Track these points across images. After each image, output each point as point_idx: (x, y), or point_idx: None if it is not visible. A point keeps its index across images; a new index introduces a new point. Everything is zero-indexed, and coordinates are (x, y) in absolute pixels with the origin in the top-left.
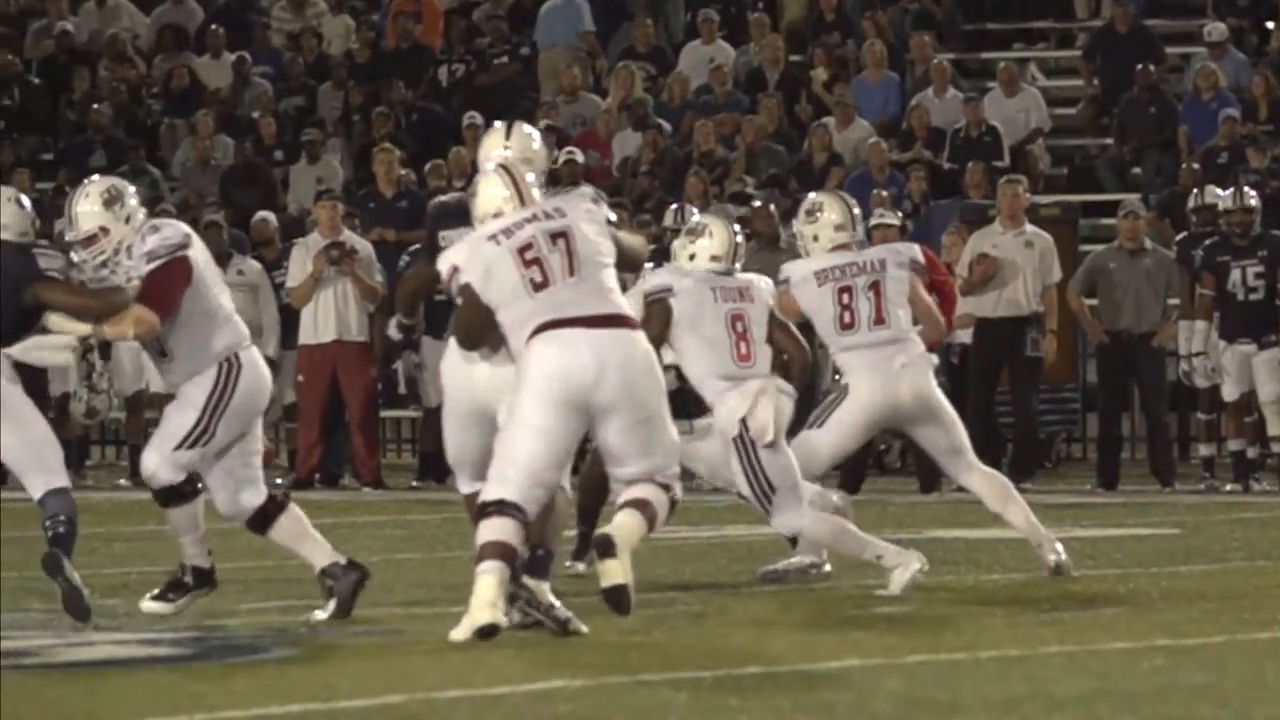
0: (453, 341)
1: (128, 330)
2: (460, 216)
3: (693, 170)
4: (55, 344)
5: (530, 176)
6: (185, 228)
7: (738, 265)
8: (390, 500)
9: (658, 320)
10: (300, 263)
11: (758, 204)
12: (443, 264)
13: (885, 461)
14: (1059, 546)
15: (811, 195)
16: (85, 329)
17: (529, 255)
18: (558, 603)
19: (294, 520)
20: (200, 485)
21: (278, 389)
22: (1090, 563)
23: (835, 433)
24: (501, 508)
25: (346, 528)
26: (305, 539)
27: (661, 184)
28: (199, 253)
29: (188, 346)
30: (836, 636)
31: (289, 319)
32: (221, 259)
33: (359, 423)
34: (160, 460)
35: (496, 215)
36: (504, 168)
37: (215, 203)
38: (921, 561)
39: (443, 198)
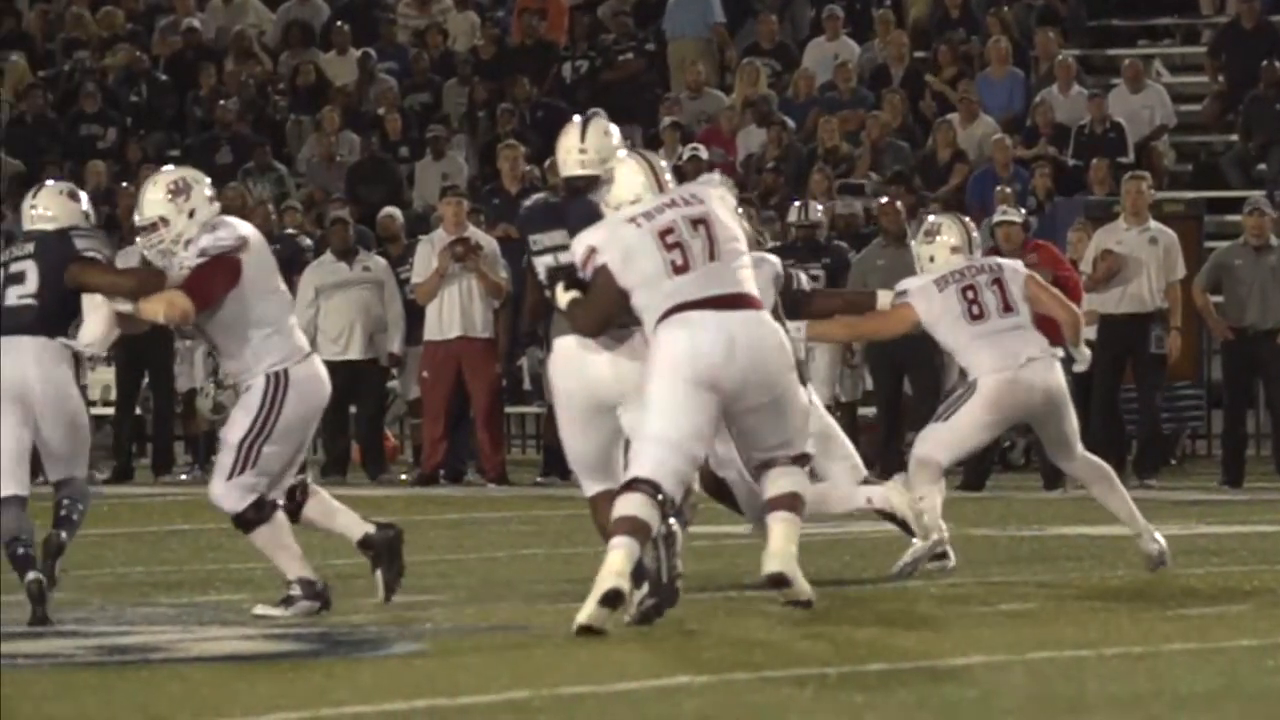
0: (560, 342)
1: (159, 310)
2: (549, 218)
3: (816, 167)
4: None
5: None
6: (248, 232)
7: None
8: (514, 496)
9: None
10: (425, 259)
11: (884, 200)
12: (578, 246)
13: (1009, 458)
14: (1159, 536)
15: (931, 217)
16: (125, 308)
17: (670, 239)
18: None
19: (318, 504)
20: (272, 505)
21: (402, 385)
22: (1216, 560)
23: (961, 428)
24: (635, 484)
25: (471, 524)
26: (334, 516)
27: (786, 180)
28: (257, 260)
29: (235, 349)
30: (960, 632)
31: (414, 315)
32: (347, 254)
33: (484, 419)
34: (223, 490)
35: (634, 202)
36: (641, 154)
37: (340, 198)
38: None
39: (529, 202)
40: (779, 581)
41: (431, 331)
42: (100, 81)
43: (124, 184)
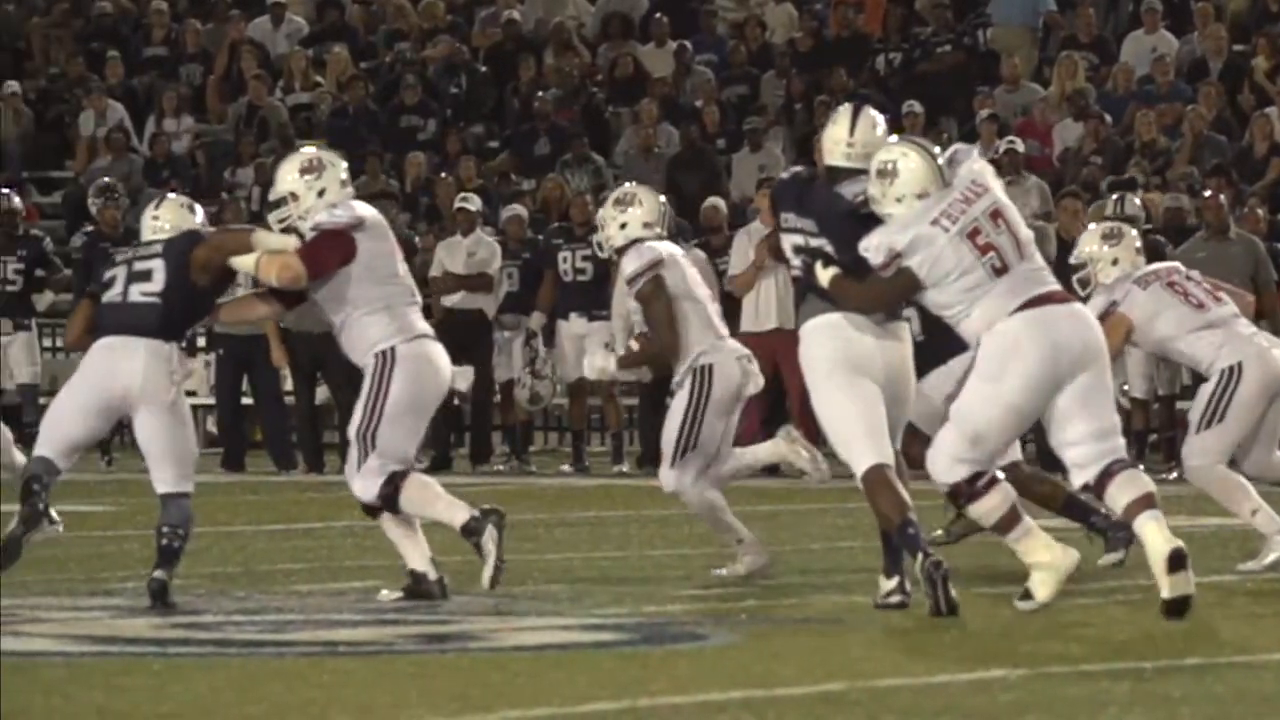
0: (818, 320)
1: (273, 272)
2: (801, 203)
3: (1134, 160)
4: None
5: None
6: (366, 214)
7: (662, 232)
8: (830, 488)
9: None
10: (742, 251)
11: (1208, 194)
12: (876, 250)
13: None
14: None
15: (1110, 224)
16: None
17: (980, 240)
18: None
19: (415, 488)
20: (403, 473)
21: None
22: None
23: (1238, 420)
24: (980, 478)
25: (789, 515)
26: (435, 502)
27: (1103, 174)
28: (375, 243)
29: (348, 327)
30: (1278, 627)
31: (731, 307)
32: None
33: (800, 410)
34: (360, 485)
35: (921, 195)
36: (918, 143)
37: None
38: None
39: (785, 175)
40: (1179, 559)
41: (748, 323)
42: (420, 73)
43: (443, 174)
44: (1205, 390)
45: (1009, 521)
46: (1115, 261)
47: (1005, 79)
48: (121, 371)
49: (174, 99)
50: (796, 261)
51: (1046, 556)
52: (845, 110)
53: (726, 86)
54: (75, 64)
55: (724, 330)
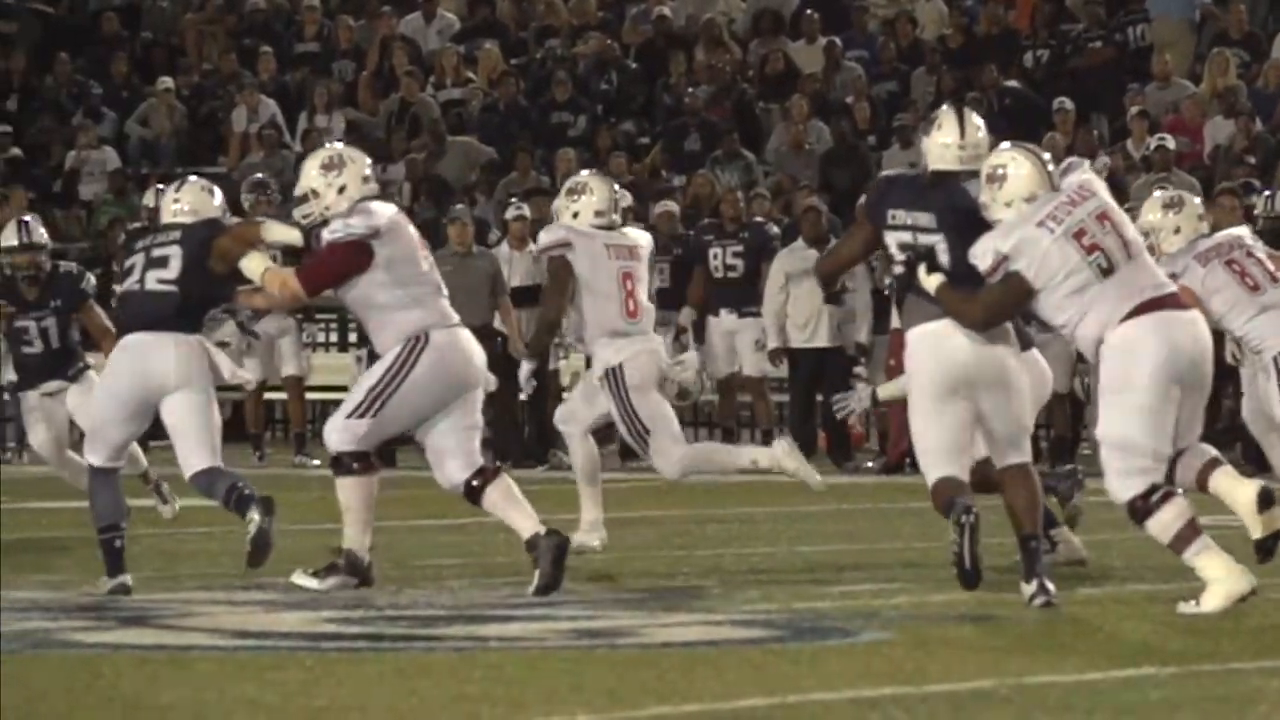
0: (923, 330)
1: (274, 287)
2: (917, 197)
3: None
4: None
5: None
6: (383, 222)
7: (617, 219)
8: None
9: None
10: None
11: None
12: (983, 255)
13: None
14: None
15: (1172, 192)
16: (259, 267)
17: (1086, 241)
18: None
19: (501, 491)
20: (374, 465)
21: (869, 374)
22: None
23: None
24: (1155, 492)
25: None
26: (512, 508)
27: (1256, 171)
28: (395, 246)
29: (376, 326)
30: None
31: (881, 304)
32: (819, 242)
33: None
34: (333, 427)
35: (1029, 199)
36: (1028, 148)
37: (808, 186)
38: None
39: (890, 174)
40: (1268, 498)
41: (899, 321)
42: (571, 70)
43: (592, 170)
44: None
45: (1186, 537)
46: (1178, 230)
47: (1156, 75)
48: (154, 371)
49: (326, 95)
50: (900, 258)
51: (1223, 574)
52: (949, 113)
53: (876, 83)
54: (228, 60)
55: (635, 323)
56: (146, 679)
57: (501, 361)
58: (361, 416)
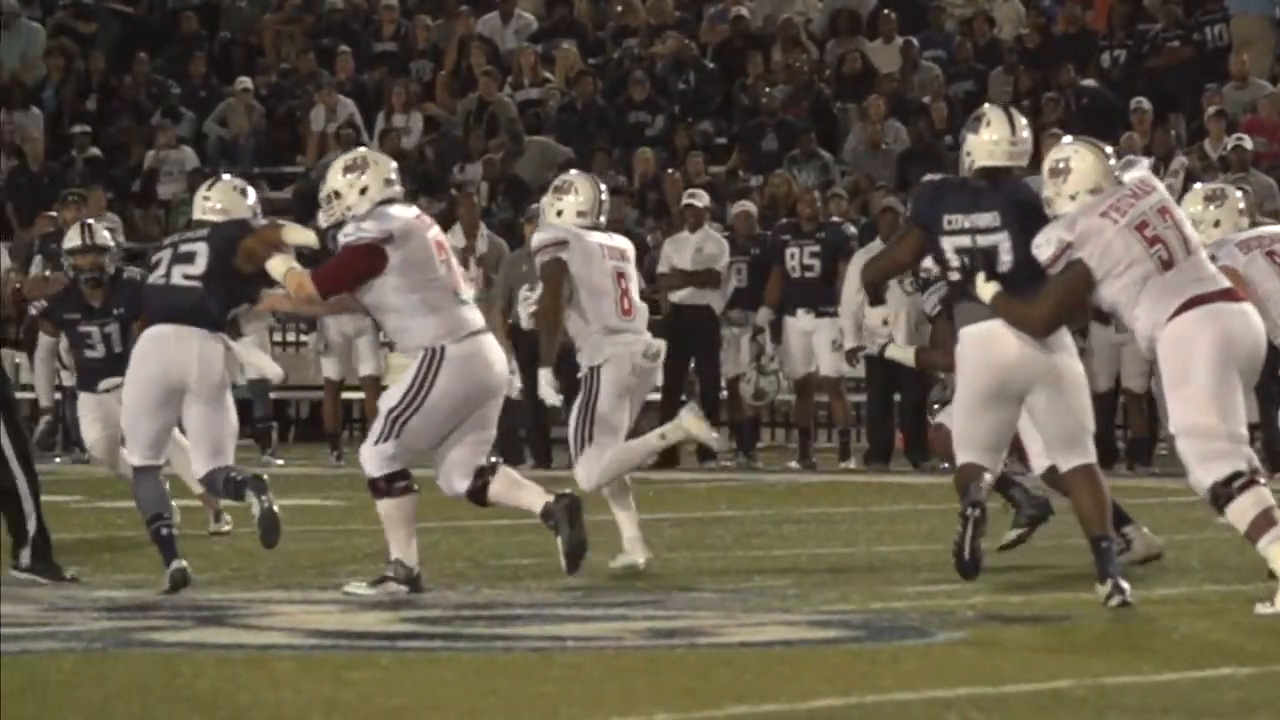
0: (975, 329)
1: (291, 287)
2: (974, 199)
3: None
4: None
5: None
6: (397, 226)
7: (603, 220)
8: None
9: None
10: None
11: None
12: (1046, 243)
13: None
14: None
15: (1214, 185)
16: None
17: (1148, 233)
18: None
19: (502, 481)
20: (409, 483)
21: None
22: None
23: None
24: (1237, 479)
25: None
26: (518, 491)
27: None
28: (409, 250)
29: (394, 328)
30: None
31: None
32: None
33: None
34: (368, 453)
35: (1094, 191)
36: (1091, 142)
37: (885, 186)
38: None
39: (935, 179)
40: None
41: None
42: (649, 69)
43: (670, 171)
44: None
45: (1261, 526)
46: (1217, 224)
47: (1234, 75)
48: (177, 362)
49: (403, 94)
50: (956, 264)
51: None
52: (996, 111)
53: (954, 82)
54: (306, 60)
55: (630, 320)
56: (224, 678)
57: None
58: (386, 441)
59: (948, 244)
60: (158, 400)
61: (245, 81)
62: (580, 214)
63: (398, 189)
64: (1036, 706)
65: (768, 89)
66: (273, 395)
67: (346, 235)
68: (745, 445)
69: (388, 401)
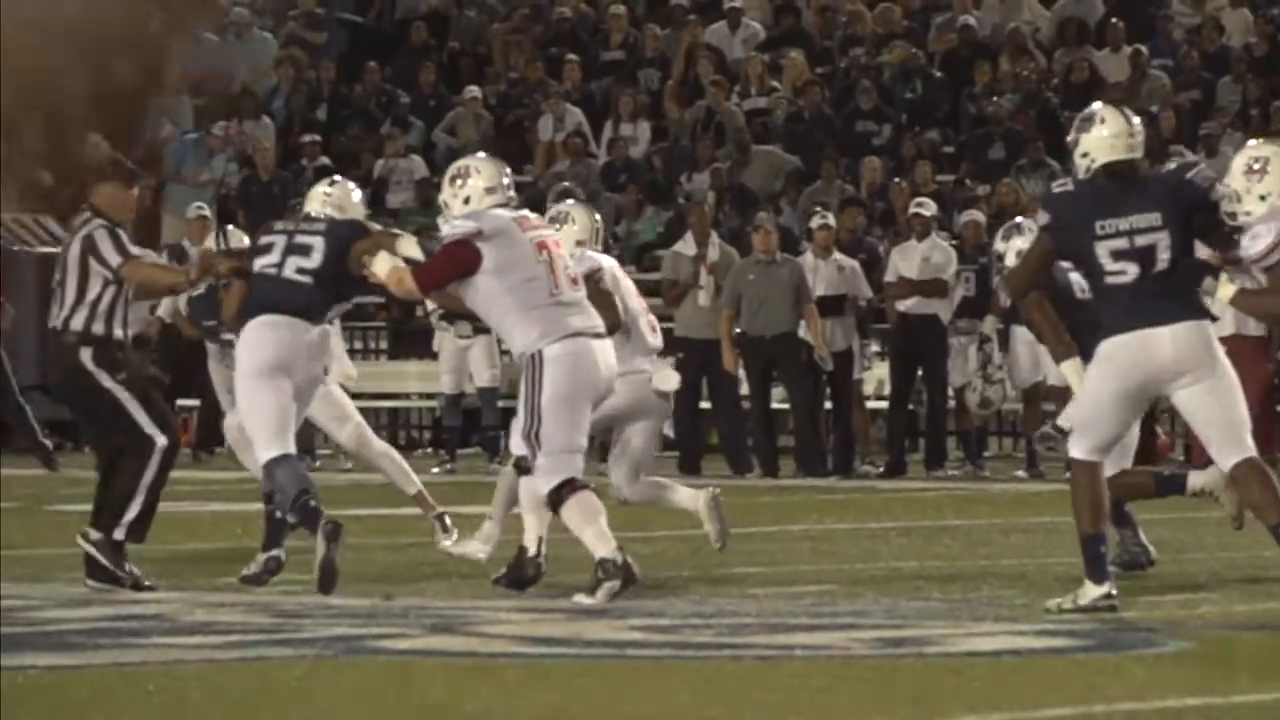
0: (1112, 340)
1: (392, 281)
2: (1126, 199)
3: None
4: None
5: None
6: (495, 220)
7: (599, 248)
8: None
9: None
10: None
11: None
12: (1255, 238)
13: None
14: None
15: (1255, 157)
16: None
17: None
18: None
19: (579, 506)
20: (577, 484)
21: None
22: None
23: None
24: None
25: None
26: (587, 525)
27: None
28: (503, 250)
29: (497, 327)
30: None
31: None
32: None
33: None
34: (536, 477)
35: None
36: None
37: None
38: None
39: (1068, 186)
40: None
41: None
42: (876, 78)
43: (898, 180)
44: None
45: None
46: (1264, 197)
47: None
48: (287, 348)
49: (631, 103)
50: (1112, 268)
51: None
52: (1109, 108)
53: (1181, 91)
54: (534, 69)
55: (654, 343)
56: (453, 686)
57: (804, 370)
58: (536, 457)
59: (1102, 249)
60: (276, 386)
61: (474, 90)
62: (579, 243)
63: (500, 196)
64: (1268, 716)
65: (995, 98)
66: (500, 404)
67: (444, 233)
68: (973, 454)
69: (517, 425)
